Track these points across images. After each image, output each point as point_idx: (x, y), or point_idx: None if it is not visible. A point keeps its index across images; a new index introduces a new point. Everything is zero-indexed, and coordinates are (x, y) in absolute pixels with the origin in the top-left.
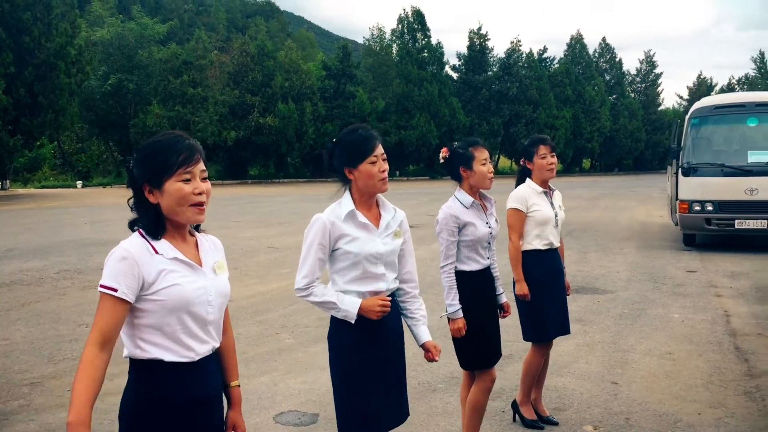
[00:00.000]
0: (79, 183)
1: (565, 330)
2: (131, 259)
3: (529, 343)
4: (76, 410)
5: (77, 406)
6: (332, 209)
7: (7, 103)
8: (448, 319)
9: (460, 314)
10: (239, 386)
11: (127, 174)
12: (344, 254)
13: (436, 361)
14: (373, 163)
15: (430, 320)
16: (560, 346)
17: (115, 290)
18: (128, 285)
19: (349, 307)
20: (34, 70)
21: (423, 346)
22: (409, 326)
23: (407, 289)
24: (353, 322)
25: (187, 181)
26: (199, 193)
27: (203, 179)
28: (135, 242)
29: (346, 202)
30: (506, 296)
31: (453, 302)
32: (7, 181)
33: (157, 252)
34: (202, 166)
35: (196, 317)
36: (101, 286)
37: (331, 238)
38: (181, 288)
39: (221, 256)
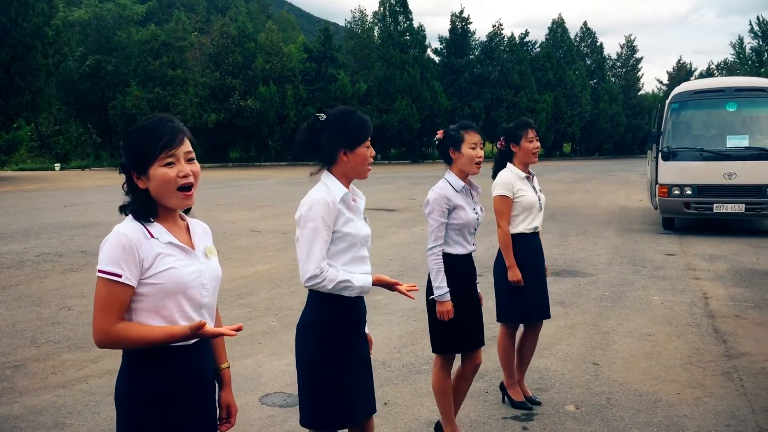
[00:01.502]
0: (57, 165)
1: (545, 314)
2: (130, 244)
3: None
4: (168, 331)
5: (166, 331)
6: (326, 191)
7: None
8: (433, 300)
9: (448, 297)
10: (229, 368)
11: (120, 159)
12: (342, 237)
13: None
14: (368, 147)
15: (416, 302)
16: (542, 327)
17: (119, 276)
18: (131, 270)
19: (363, 282)
20: (10, 51)
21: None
22: None
23: None
24: (365, 295)
25: (171, 164)
26: (184, 176)
27: (189, 161)
28: (131, 226)
29: (335, 185)
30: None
31: (441, 284)
32: None
33: (152, 236)
34: (186, 147)
35: (191, 300)
36: (102, 271)
37: (333, 219)
38: (177, 271)
39: (210, 241)
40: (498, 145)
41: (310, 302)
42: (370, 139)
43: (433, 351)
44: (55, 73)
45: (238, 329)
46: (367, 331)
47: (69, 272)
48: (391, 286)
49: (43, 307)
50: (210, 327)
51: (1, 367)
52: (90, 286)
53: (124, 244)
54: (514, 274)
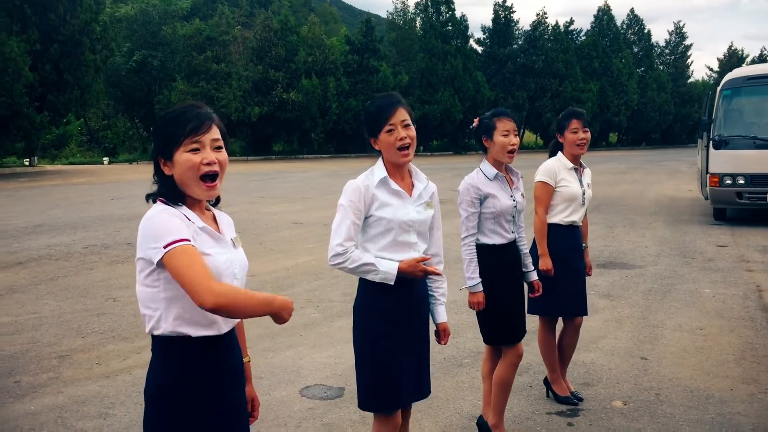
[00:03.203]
0: (105, 159)
1: (580, 311)
2: (180, 216)
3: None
4: (270, 297)
5: (266, 296)
6: (365, 176)
7: (33, 80)
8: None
9: (480, 288)
10: (249, 361)
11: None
12: (377, 221)
13: (443, 344)
14: (390, 131)
15: (459, 294)
16: (588, 321)
17: (188, 240)
18: (190, 236)
19: (388, 268)
20: (59, 47)
21: (437, 326)
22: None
23: (433, 264)
24: (392, 283)
25: (196, 150)
26: (208, 163)
27: (216, 149)
28: (166, 208)
29: (378, 170)
30: (534, 274)
31: (473, 275)
32: (35, 158)
33: (188, 219)
34: (214, 134)
35: None
36: (174, 242)
37: (366, 203)
38: (213, 258)
39: (234, 233)
40: (557, 135)
41: (358, 287)
42: (396, 121)
43: (485, 342)
44: (103, 68)
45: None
46: (443, 319)
47: (115, 264)
48: (418, 270)
49: (89, 298)
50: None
51: (48, 357)
52: (135, 277)
53: (175, 214)
54: (545, 263)
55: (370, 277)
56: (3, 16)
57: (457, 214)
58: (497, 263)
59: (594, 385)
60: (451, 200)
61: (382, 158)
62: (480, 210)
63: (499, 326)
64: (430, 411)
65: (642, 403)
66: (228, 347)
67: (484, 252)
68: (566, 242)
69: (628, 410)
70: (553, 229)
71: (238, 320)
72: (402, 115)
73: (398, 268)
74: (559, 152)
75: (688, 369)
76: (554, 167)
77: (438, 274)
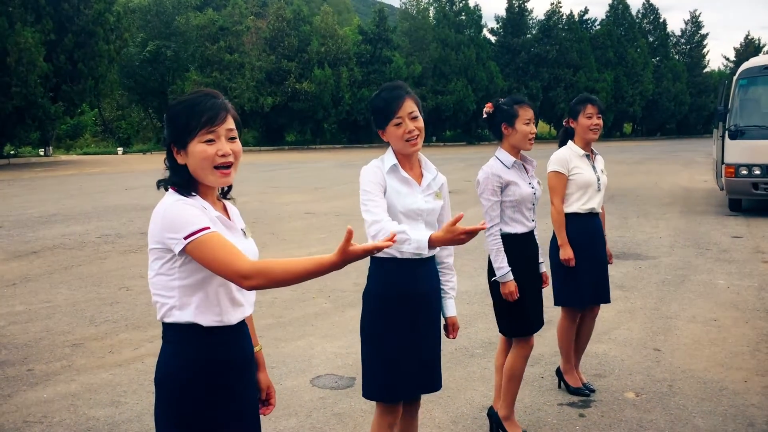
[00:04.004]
0: (119, 149)
1: (603, 298)
2: (195, 206)
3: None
4: (317, 261)
5: (312, 260)
6: (377, 161)
7: (48, 70)
8: (496, 283)
9: (510, 277)
10: (261, 350)
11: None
12: (387, 207)
13: (452, 338)
14: (398, 124)
15: (470, 284)
16: (601, 311)
17: (209, 228)
18: (210, 223)
19: (420, 237)
20: (73, 37)
21: (446, 320)
22: None
23: (443, 257)
24: (426, 252)
25: (211, 141)
26: (223, 155)
27: (231, 139)
28: (180, 197)
29: (388, 158)
30: (544, 266)
31: (502, 265)
32: (50, 148)
33: (204, 207)
34: (229, 125)
35: None
36: (191, 234)
37: (381, 182)
38: None
39: (243, 222)
40: (564, 123)
41: (369, 272)
42: (403, 114)
43: (501, 333)
44: (117, 58)
45: (392, 239)
46: (452, 314)
47: (128, 253)
48: (457, 235)
49: (103, 287)
50: (358, 245)
51: (61, 346)
52: (148, 267)
53: (193, 204)
54: (565, 253)
55: (404, 247)
56: (17, 7)
57: (469, 204)
58: (519, 253)
59: (606, 377)
60: (463, 191)
61: (392, 147)
62: (501, 199)
63: (518, 318)
64: (441, 401)
65: (654, 394)
66: (237, 338)
67: (506, 242)
68: (587, 230)
69: (641, 402)
70: (572, 218)
71: (249, 312)
72: (409, 106)
73: (430, 237)
74: (570, 141)
75: (701, 360)
76: (566, 156)
77: (483, 229)
